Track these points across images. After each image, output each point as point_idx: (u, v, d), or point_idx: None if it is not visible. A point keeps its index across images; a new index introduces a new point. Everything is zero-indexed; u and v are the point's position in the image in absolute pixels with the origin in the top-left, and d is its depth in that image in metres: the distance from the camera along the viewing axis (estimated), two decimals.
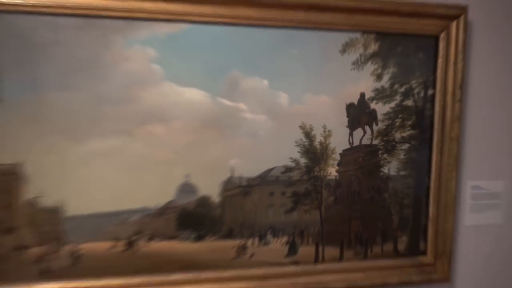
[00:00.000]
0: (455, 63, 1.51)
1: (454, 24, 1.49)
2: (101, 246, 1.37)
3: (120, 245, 1.37)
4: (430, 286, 1.65)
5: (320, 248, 1.52)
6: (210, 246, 1.44)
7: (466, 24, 1.51)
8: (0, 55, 1.21)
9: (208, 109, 1.36)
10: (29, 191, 1.28)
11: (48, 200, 1.30)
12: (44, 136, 1.26)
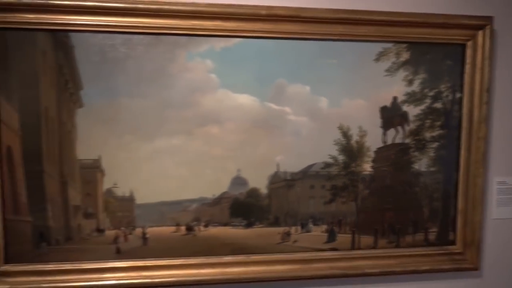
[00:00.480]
0: (482, 68, 1.58)
1: (480, 33, 1.57)
2: (165, 230, 1.52)
3: (181, 230, 1.53)
4: (460, 274, 1.73)
5: (356, 236, 1.61)
6: (258, 232, 1.56)
7: (492, 33, 1.58)
8: (82, 68, 1.39)
9: (257, 112, 1.49)
10: (106, 182, 1.47)
11: (121, 190, 1.49)
12: (118, 135, 1.43)
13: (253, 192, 1.55)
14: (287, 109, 1.53)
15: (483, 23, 1.57)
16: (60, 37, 1.39)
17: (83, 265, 1.49)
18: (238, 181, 1.54)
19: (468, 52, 1.59)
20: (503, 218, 1.79)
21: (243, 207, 1.56)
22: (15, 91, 1.38)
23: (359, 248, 1.64)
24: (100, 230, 1.50)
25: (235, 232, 1.57)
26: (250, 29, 1.46)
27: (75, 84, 1.43)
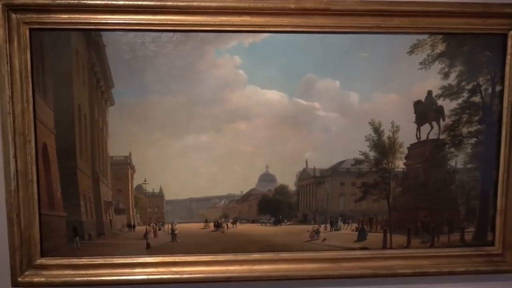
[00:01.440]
0: None
1: None
2: (193, 226, 1.60)
3: (209, 226, 1.60)
4: (499, 276, 1.72)
5: (388, 235, 1.64)
6: (286, 229, 1.62)
7: None
8: (113, 66, 1.48)
9: (285, 108, 1.53)
10: (136, 179, 1.56)
11: (150, 187, 1.58)
12: (148, 132, 1.51)
13: (281, 189, 1.60)
14: (316, 104, 1.56)
15: None
16: (92, 37, 1.48)
17: (114, 259, 1.59)
18: (267, 177, 1.59)
19: (510, 42, 1.57)
20: None
21: (271, 204, 1.62)
22: (50, 90, 1.48)
23: (391, 248, 1.66)
24: (130, 226, 1.60)
25: (263, 229, 1.63)
26: (279, 23, 1.50)
27: (107, 83, 1.52)
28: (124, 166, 1.56)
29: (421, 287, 1.71)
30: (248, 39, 1.52)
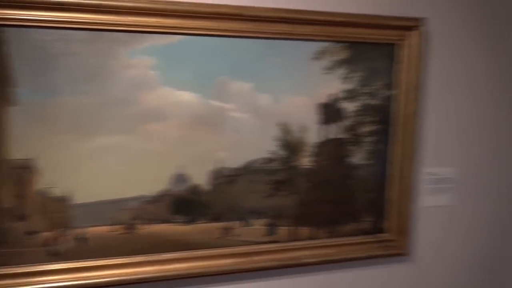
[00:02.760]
0: (413, 67, 1.89)
1: (411, 34, 1.87)
2: (105, 229, 1.66)
3: (121, 229, 1.67)
4: (392, 259, 2.08)
5: (297, 228, 1.87)
6: (200, 228, 1.76)
7: (421, 34, 1.88)
8: (18, 64, 1.49)
9: (199, 109, 1.66)
10: (41, 182, 1.57)
11: (58, 190, 1.58)
12: (57, 134, 1.55)
13: (195, 188, 1.73)
14: (230, 106, 1.72)
15: (413, 24, 1.86)
16: None
17: (17, 269, 1.61)
18: (179, 177, 1.70)
19: (400, 51, 1.87)
20: (431, 206, 2.15)
21: (185, 203, 1.74)
22: None
23: (299, 240, 1.91)
24: (33, 232, 1.61)
25: (176, 228, 1.74)
26: (192, 26, 1.61)
27: (9, 82, 1.54)
28: (26, 170, 1.59)
29: (327, 273, 2.00)
30: (162, 40, 1.61)
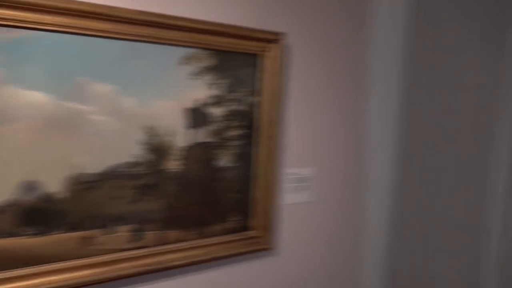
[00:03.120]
0: (275, 76, 1.93)
1: (272, 46, 1.89)
2: None
3: None
4: (259, 254, 2.10)
5: (165, 232, 1.76)
6: (54, 239, 1.54)
7: (282, 47, 1.92)
8: None
9: (54, 111, 1.46)
10: None
11: None
12: None
13: (48, 197, 1.52)
14: (90, 108, 1.54)
15: (274, 38, 1.90)
16: None
17: None
18: (28, 185, 1.48)
19: (263, 61, 1.90)
20: (293, 203, 2.22)
21: (35, 213, 1.51)
22: None
23: (167, 243, 1.79)
24: None
25: (25, 242, 1.51)
26: (45, 21, 1.41)
27: None
28: None
29: (196, 274, 1.93)
30: (9, 34, 1.37)
